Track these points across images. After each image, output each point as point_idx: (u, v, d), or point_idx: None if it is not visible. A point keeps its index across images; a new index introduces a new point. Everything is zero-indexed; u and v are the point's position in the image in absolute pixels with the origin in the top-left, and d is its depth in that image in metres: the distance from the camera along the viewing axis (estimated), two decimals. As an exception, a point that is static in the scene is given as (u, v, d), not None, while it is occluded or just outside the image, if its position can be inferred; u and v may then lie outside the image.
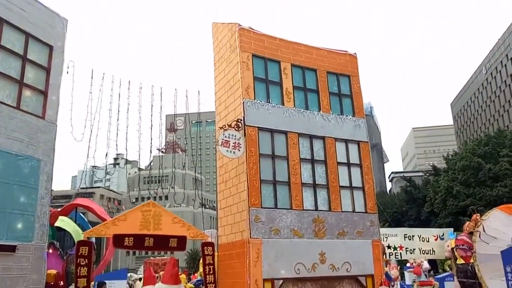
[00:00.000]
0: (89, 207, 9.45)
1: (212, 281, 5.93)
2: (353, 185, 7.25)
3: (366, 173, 7.42)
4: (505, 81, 57.37)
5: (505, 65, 57.06)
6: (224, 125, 6.68)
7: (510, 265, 5.28)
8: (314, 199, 6.81)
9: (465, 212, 26.27)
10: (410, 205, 33.96)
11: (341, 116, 7.59)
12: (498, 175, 27.24)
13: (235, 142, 6.38)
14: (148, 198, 5.69)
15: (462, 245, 8.04)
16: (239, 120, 6.66)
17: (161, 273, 6.77)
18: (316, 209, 6.75)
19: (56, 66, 5.84)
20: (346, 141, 7.47)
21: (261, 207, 6.32)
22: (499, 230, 7.06)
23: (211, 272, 5.97)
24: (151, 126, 7.58)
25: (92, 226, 6.43)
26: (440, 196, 29.42)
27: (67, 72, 6.15)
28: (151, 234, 5.47)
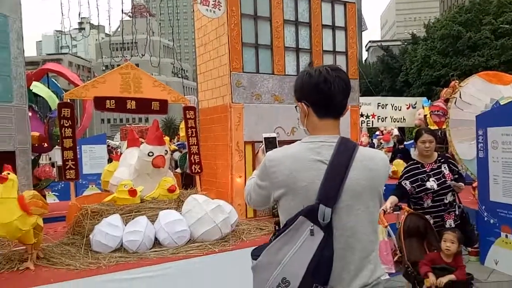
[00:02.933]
0: (61, 72, 9.11)
1: (195, 143, 6.07)
2: (336, 49, 7.07)
3: (350, 37, 7.19)
4: None
5: None
6: (203, -19, 6.11)
7: (481, 129, 5.55)
8: (296, 64, 6.66)
9: (439, 82, 26.93)
10: (385, 75, 34.43)
11: (328, -27, 7.02)
12: (477, 44, 27.22)
13: (215, 0, 5.92)
14: (118, 66, 5.48)
15: (437, 111, 8.31)
16: (219, -24, 6.08)
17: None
18: (298, 75, 6.65)
19: None
20: (332, 2, 7.05)
21: (243, 72, 6.16)
22: (475, 97, 7.24)
23: (193, 135, 6.07)
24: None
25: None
26: (416, 66, 29.75)
27: None
28: (132, 97, 5.35)
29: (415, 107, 14.80)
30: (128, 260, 4.15)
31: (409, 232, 3.68)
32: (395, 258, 3.69)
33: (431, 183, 3.94)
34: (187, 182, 8.19)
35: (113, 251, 4.29)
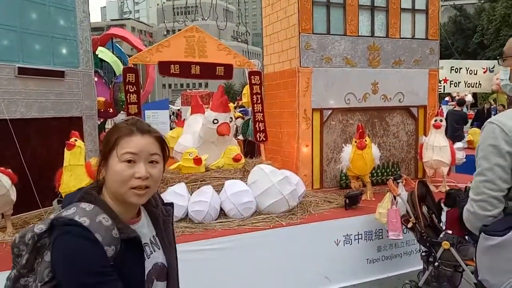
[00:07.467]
0: (125, 37, 9.13)
1: (260, 110, 5.80)
2: (415, 7, 6.36)
3: (432, -7, 6.43)
4: None
5: None
6: None
7: None
8: (370, 24, 6.06)
9: (519, 43, 24.42)
10: (456, 36, 31.88)
11: None
12: None
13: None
14: (179, 30, 5.27)
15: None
16: None
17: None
18: (372, 35, 6.06)
19: None
20: (413, -47, 6.28)
21: (312, 33, 5.69)
22: None
23: (258, 101, 5.79)
24: None
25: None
26: (494, 25, 27.16)
27: None
28: (197, 62, 5.13)
29: (492, 71, 13.46)
30: (194, 230, 4.04)
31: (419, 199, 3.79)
32: (409, 225, 3.74)
33: None
34: (249, 149, 7.99)
35: (178, 221, 4.20)
